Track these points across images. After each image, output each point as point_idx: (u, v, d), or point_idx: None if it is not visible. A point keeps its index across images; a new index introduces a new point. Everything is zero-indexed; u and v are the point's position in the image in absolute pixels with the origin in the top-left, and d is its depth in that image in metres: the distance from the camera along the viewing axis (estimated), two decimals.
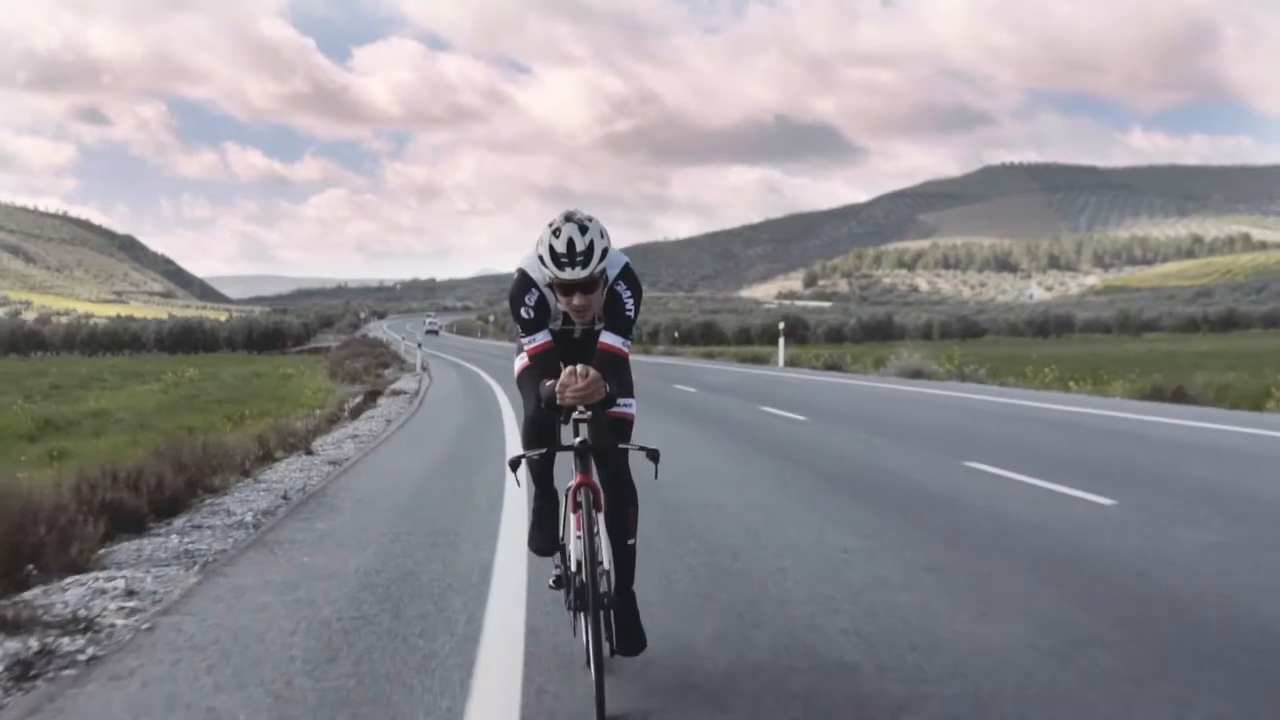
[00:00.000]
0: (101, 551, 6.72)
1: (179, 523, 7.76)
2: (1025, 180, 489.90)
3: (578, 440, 3.85)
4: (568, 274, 3.72)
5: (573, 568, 3.85)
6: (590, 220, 3.78)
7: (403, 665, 4.22)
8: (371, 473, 10.53)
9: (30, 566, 6.12)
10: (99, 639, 4.70)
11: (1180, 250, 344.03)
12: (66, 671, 4.28)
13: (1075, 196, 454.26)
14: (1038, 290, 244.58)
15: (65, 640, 4.61)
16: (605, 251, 3.78)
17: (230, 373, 48.83)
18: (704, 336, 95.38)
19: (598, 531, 3.83)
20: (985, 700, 3.71)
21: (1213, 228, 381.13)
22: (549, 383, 3.84)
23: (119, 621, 4.99)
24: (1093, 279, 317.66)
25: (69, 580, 5.87)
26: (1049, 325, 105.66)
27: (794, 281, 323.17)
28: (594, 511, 3.82)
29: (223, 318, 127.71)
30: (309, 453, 12.27)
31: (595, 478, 3.89)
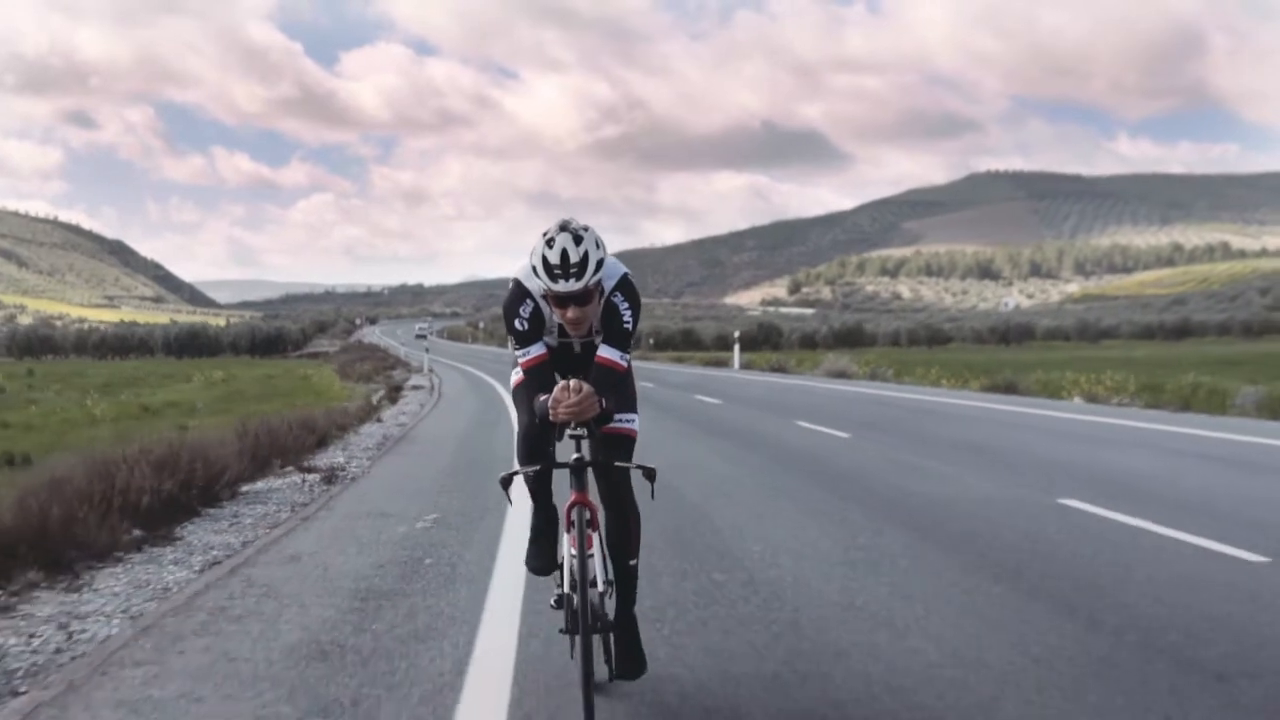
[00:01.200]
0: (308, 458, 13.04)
1: (333, 449, 14.07)
2: (1011, 188, 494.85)
3: (573, 457, 3.84)
4: (561, 286, 3.68)
5: (566, 588, 3.84)
6: (586, 230, 3.72)
7: (480, 479, 10.54)
8: (430, 429, 16.91)
9: (278, 460, 12.46)
10: (351, 474, 11.05)
11: (1160, 258, 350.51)
12: (347, 481, 10.60)
13: (1060, 204, 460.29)
14: (1014, 298, 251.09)
15: (338, 473, 10.94)
16: (601, 263, 3.72)
17: (249, 374, 54.84)
18: (684, 342, 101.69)
19: (591, 552, 3.78)
20: (714, 484, 10.00)
21: (1195, 236, 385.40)
22: (542, 398, 3.79)
23: (354, 471, 11.36)
24: (1073, 287, 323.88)
25: (307, 463, 12.18)
26: (1011, 333, 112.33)
27: (779, 288, 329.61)
28: (588, 531, 3.77)
29: (220, 323, 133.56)
30: (379, 420, 18.61)
31: (591, 496, 3.86)
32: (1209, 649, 4.52)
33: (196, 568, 6.76)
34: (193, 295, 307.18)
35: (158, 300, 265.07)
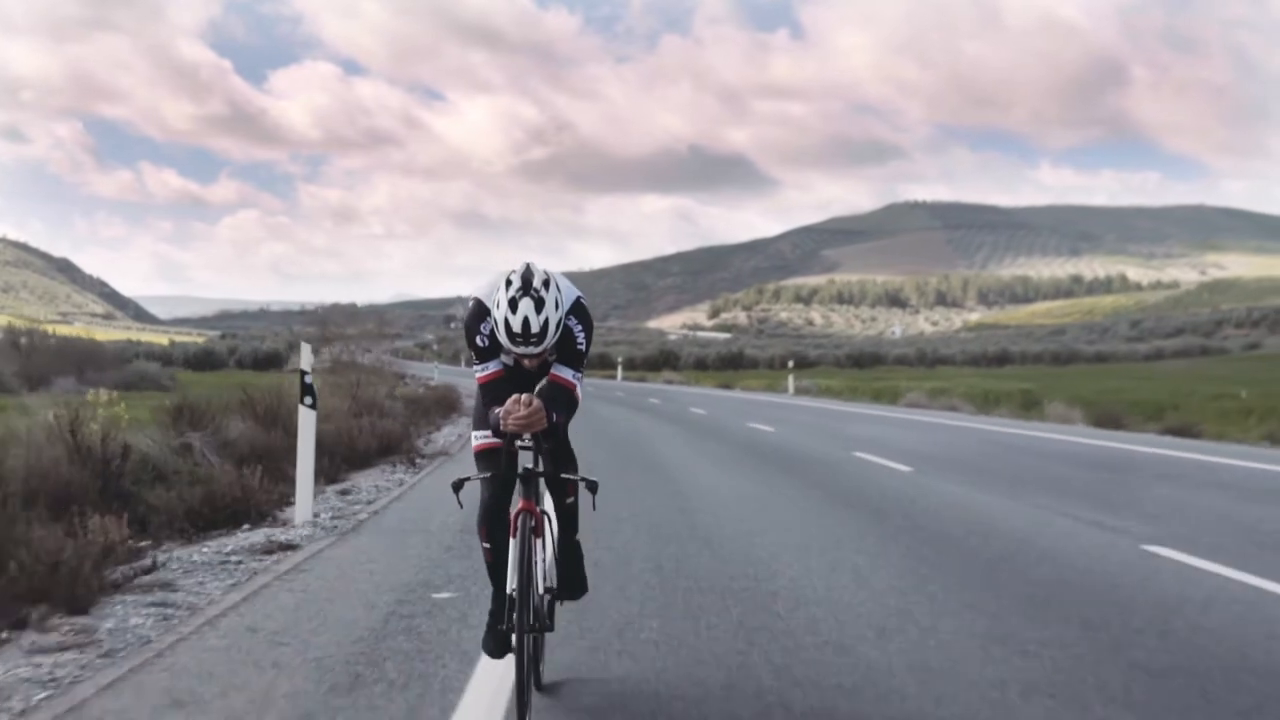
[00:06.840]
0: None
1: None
2: (928, 217, 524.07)
3: (523, 468, 4.34)
4: (520, 350, 4.15)
5: (510, 589, 4.28)
6: (547, 287, 4.09)
7: None
8: None
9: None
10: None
11: (1059, 290, 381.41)
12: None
13: (975, 234, 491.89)
14: (899, 327, 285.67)
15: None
16: (560, 324, 4.13)
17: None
18: (599, 364, 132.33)
19: (537, 560, 4.27)
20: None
21: (1100, 268, 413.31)
22: (496, 410, 4.29)
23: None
24: (976, 316, 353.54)
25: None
26: (864, 359, 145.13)
27: (700, 313, 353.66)
28: (532, 538, 4.23)
29: (200, 340, 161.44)
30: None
31: (539, 505, 4.31)
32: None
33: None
34: (138, 312, 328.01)
35: (108, 317, 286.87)
